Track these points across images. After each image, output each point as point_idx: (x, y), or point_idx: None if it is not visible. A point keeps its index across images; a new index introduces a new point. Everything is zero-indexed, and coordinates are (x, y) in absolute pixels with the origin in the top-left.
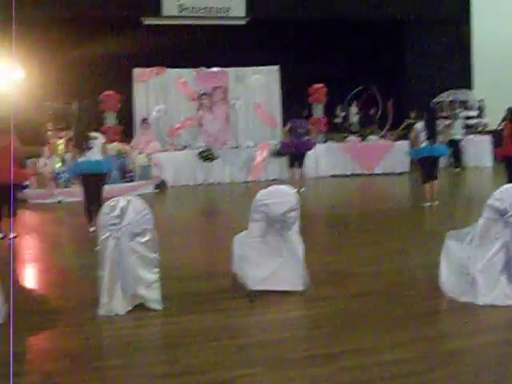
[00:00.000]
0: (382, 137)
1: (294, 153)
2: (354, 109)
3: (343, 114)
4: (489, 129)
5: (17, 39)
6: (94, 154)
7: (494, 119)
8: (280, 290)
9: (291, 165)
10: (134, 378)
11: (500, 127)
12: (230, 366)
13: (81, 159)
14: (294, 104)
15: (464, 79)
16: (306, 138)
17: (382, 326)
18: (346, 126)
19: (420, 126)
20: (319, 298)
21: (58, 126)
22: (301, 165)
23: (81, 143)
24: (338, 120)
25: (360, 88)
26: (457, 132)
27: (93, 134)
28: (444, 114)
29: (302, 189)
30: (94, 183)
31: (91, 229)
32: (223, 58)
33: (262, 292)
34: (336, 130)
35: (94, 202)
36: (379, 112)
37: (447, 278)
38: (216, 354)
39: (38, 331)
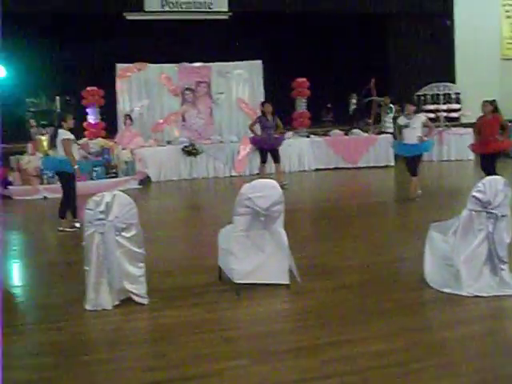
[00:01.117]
0: (366, 131)
1: (263, 149)
2: (353, 101)
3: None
4: (470, 121)
5: None
6: (58, 152)
7: (475, 112)
8: (266, 284)
9: (263, 161)
10: (122, 372)
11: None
12: (216, 358)
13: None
14: None
15: (447, 73)
16: (276, 134)
17: (367, 317)
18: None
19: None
20: (305, 291)
21: (42, 122)
22: (276, 160)
23: (52, 140)
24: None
25: (373, 80)
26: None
27: (60, 130)
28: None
29: (285, 183)
30: (59, 180)
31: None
32: (206, 53)
33: (248, 285)
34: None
35: (66, 199)
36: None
37: (431, 270)
38: (203, 347)
39: (24, 327)
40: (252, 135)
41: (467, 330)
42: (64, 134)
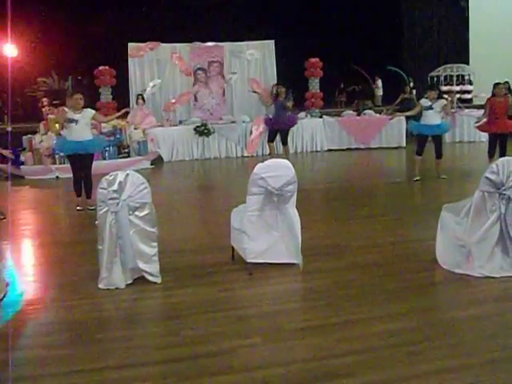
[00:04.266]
0: (378, 112)
1: (274, 129)
2: (379, 83)
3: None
4: (482, 103)
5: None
6: (75, 131)
7: (489, 94)
8: (278, 263)
9: (271, 140)
10: (135, 350)
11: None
12: (229, 336)
13: None
14: None
15: (460, 54)
16: (288, 114)
17: (378, 297)
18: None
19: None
20: (316, 271)
21: (54, 101)
22: (284, 142)
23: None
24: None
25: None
26: None
27: (86, 109)
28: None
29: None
30: (84, 161)
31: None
32: (218, 32)
33: (261, 265)
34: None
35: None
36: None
37: (443, 251)
38: (215, 325)
39: (38, 305)
40: (265, 115)
41: (478, 310)
42: (91, 111)
